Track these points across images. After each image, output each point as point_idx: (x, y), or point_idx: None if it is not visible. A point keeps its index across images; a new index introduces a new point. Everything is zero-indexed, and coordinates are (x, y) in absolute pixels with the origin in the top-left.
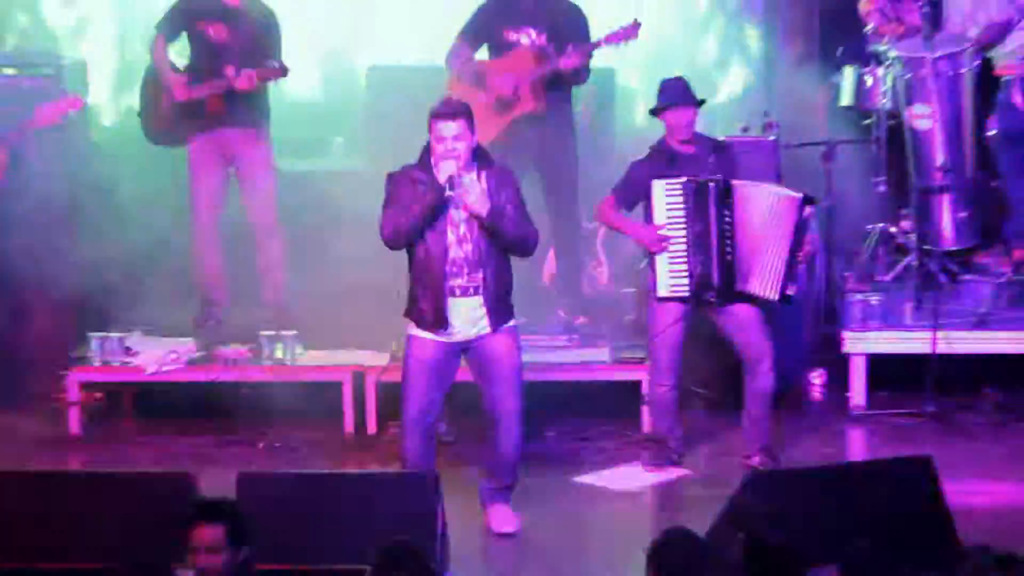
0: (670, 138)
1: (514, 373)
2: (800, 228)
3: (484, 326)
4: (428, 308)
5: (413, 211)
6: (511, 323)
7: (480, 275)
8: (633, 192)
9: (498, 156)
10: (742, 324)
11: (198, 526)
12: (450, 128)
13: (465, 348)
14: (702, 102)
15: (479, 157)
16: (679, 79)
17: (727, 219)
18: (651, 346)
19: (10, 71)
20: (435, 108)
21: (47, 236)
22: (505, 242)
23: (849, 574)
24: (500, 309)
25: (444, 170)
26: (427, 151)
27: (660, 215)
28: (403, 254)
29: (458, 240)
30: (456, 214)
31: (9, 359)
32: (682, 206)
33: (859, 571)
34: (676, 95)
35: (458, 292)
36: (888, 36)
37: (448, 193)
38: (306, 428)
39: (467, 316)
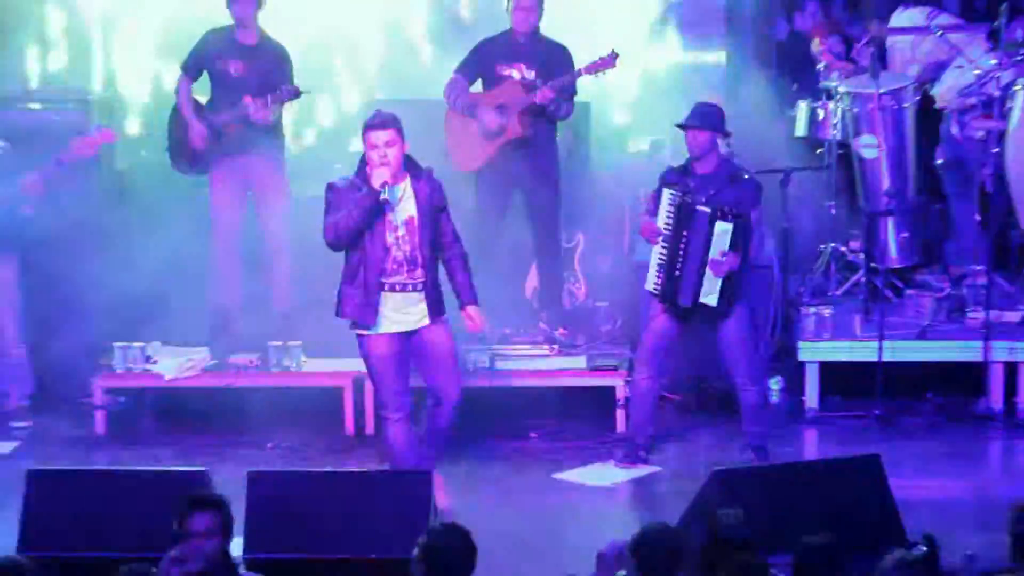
0: (691, 156)
1: (453, 358)
2: (706, 241)
3: (424, 318)
4: (354, 305)
5: (352, 215)
6: (445, 315)
7: (418, 272)
8: (657, 195)
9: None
10: (723, 343)
11: (194, 514)
12: (380, 136)
13: (408, 337)
14: (727, 134)
15: (409, 165)
16: (707, 104)
17: (684, 239)
18: (641, 337)
19: (37, 106)
20: (368, 120)
21: (77, 256)
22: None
23: (802, 563)
24: (436, 302)
25: (378, 176)
26: (363, 161)
27: (661, 218)
28: None
29: (396, 241)
30: (394, 218)
31: (42, 367)
32: (669, 216)
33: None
34: (692, 118)
35: (398, 288)
36: (838, 73)
37: (383, 197)
38: (310, 430)
39: (407, 309)
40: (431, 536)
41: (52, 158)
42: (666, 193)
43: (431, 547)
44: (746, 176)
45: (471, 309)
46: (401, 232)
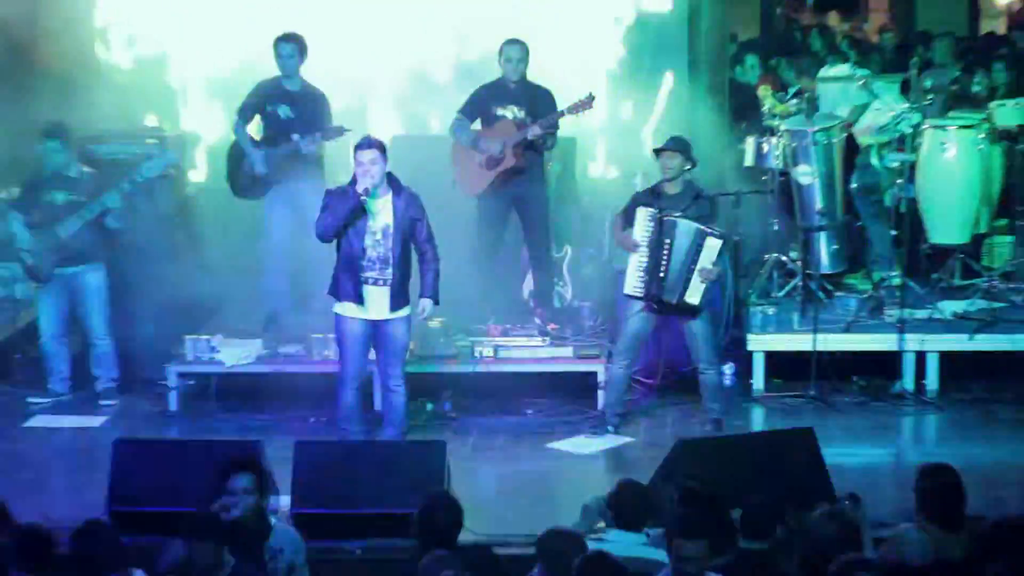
0: (662, 177)
1: (401, 350)
2: (696, 251)
3: (386, 310)
4: (349, 287)
5: (338, 212)
6: (406, 310)
7: (388, 271)
8: (630, 214)
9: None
10: (690, 334)
11: (236, 474)
12: (367, 155)
13: (374, 327)
14: (692, 158)
15: (392, 183)
16: (680, 136)
17: (666, 246)
18: (621, 331)
19: (119, 143)
20: (358, 142)
21: (154, 265)
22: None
23: (748, 517)
24: (400, 298)
25: (361, 182)
26: (354, 176)
27: (638, 232)
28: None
29: (374, 243)
30: (374, 224)
31: (126, 355)
32: (648, 230)
33: (757, 514)
34: (669, 143)
35: (370, 282)
36: (779, 114)
37: (363, 198)
38: None
39: (375, 301)
40: (424, 501)
41: (126, 178)
42: (641, 211)
43: (423, 511)
44: (704, 195)
45: (424, 301)
46: (378, 236)
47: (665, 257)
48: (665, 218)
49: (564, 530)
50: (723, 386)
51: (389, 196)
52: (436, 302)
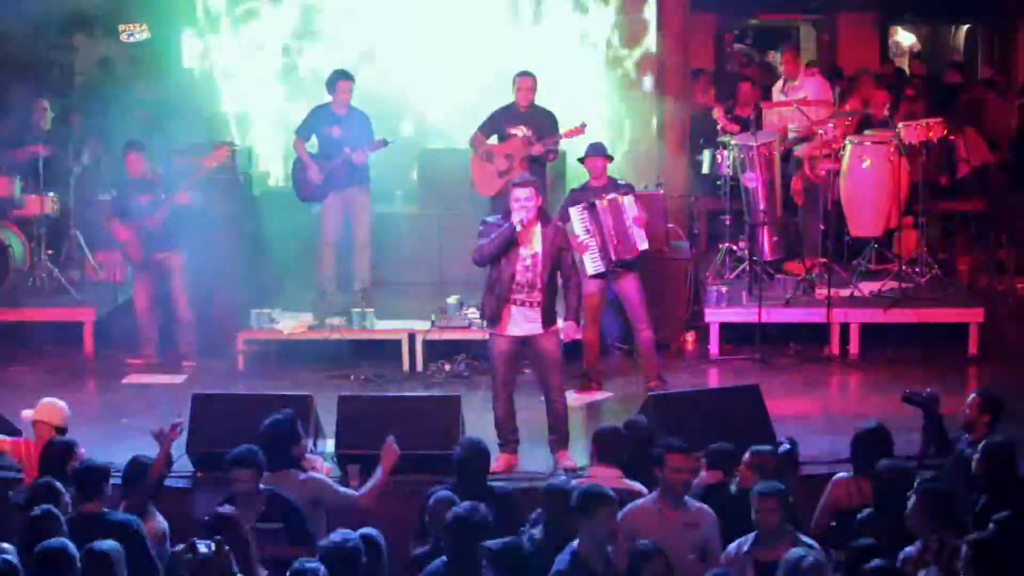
0: (590, 177)
1: (556, 361)
2: (621, 212)
3: (537, 328)
4: (491, 309)
5: (494, 242)
6: (555, 326)
7: (536, 294)
8: (564, 213)
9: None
10: (627, 300)
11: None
12: (522, 192)
13: (524, 341)
14: (610, 157)
15: (542, 216)
16: (598, 143)
17: (601, 224)
18: (583, 307)
19: (195, 153)
20: (514, 180)
21: (227, 252)
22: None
23: (711, 459)
24: (549, 316)
25: (516, 216)
26: (508, 209)
27: (578, 229)
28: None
29: (524, 269)
30: (525, 252)
31: (203, 325)
32: (584, 221)
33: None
34: (593, 150)
35: (519, 303)
36: (730, 132)
37: (517, 230)
38: (380, 367)
39: (526, 320)
40: (461, 447)
41: (188, 176)
42: (572, 211)
43: (460, 457)
44: (623, 182)
45: (568, 323)
46: (528, 263)
47: (610, 233)
48: (590, 204)
49: (559, 486)
50: (655, 347)
51: (538, 227)
52: (578, 323)
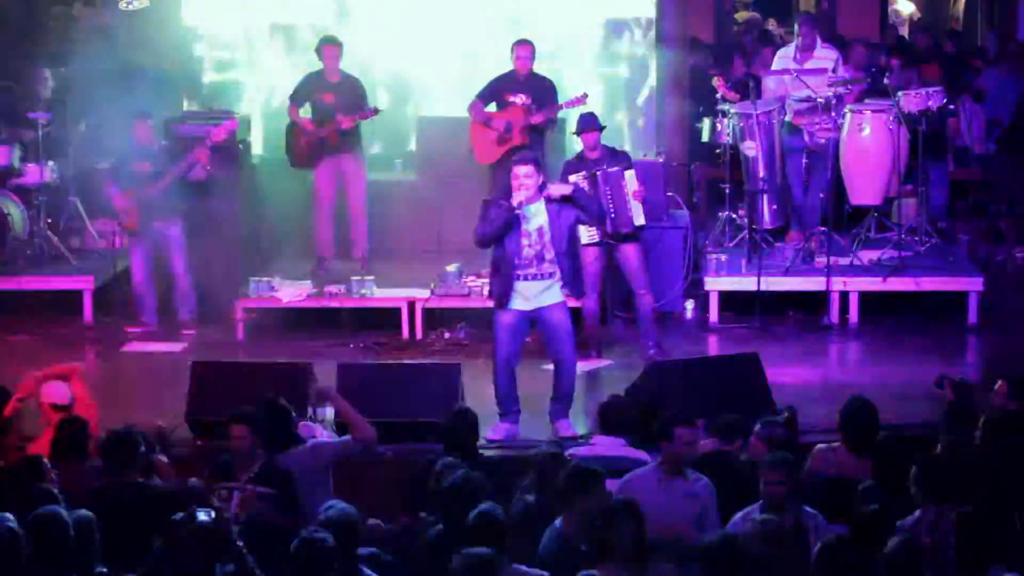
0: (584, 148)
1: (568, 331)
2: (621, 185)
3: (546, 299)
4: (497, 289)
5: (494, 223)
6: (563, 298)
7: (545, 266)
8: (562, 180)
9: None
10: (626, 264)
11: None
12: (522, 169)
13: (533, 315)
14: (603, 127)
15: (543, 189)
16: (591, 113)
17: (602, 194)
18: (584, 274)
19: (194, 123)
20: (513, 158)
21: (226, 219)
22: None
23: (719, 430)
24: (556, 288)
25: (516, 196)
26: (508, 186)
27: None
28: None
29: (529, 244)
30: (527, 226)
31: (202, 293)
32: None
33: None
34: (586, 123)
35: (529, 277)
36: (730, 100)
37: (517, 211)
38: (379, 335)
39: (536, 293)
40: (447, 416)
41: (198, 145)
42: (574, 179)
43: (447, 424)
44: (620, 149)
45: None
46: (533, 237)
47: (609, 203)
48: (592, 174)
49: (552, 451)
50: (655, 314)
51: (542, 200)
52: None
